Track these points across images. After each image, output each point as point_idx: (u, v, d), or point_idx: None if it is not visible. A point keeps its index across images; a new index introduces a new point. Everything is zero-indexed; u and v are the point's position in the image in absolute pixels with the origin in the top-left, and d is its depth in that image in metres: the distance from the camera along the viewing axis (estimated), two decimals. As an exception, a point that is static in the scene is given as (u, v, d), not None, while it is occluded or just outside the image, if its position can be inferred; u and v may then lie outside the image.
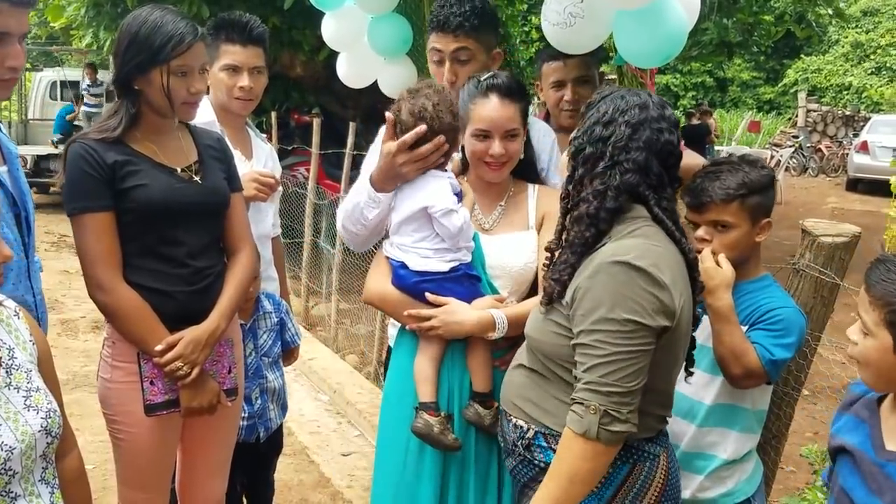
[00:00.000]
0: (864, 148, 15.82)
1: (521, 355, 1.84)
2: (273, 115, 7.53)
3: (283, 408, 2.88)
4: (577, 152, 1.72)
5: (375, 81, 3.82)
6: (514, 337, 2.05)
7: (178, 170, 2.17)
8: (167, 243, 2.13)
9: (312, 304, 6.74)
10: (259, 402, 2.72)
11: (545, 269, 1.81)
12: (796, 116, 22.38)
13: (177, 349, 2.09)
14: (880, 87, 23.45)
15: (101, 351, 2.25)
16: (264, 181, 2.66)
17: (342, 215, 2.26)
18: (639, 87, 2.64)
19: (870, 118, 18.93)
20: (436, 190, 2.07)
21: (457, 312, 2.04)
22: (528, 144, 2.25)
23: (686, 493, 1.94)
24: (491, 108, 2.11)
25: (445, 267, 2.07)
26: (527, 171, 2.27)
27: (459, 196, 2.11)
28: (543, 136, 2.45)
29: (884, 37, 24.35)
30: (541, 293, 2.10)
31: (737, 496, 1.99)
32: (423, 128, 2.03)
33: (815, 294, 2.12)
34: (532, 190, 2.26)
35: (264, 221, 2.91)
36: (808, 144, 19.78)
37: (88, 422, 4.04)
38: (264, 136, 3.05)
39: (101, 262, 2.06)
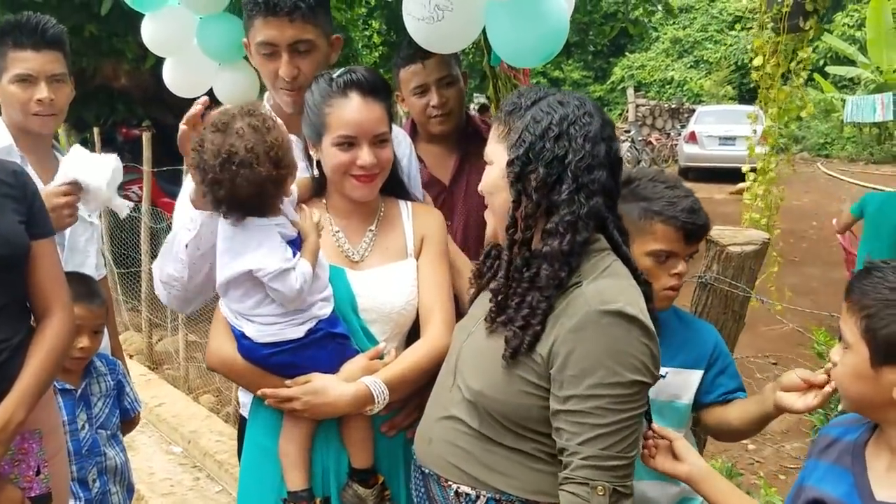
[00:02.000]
0: (692, 138, 16.70)
1: (454, 407, 1.53)
2: (96, 130, 6.85)
3: (129, 489, 2.42)
4: (521, 174, 1.44)
5: (210, 89, 3.37)
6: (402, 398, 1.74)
7: None
8: None
9: (156, 338, 6.09)
10: (98, 485, 2.25)
11: (492, 315, 1.50)
12: (626, 112, 23.46)
13: None
14: (699, 79, 25.08)
15: None
16: (59, 194, 2.10)
17: (159, 255, 1.83)
18: (513, 88, 2.40)
19: (693, 110, 20.13)
20: (260, 246, 1.64)
21: (325, 391, 1.67)
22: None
23: None
24: (354, 110, 1.74)
25: (300, 332, 1.67)
26: (394, 185, 1.92)
27: (296, 244, 1.69)
28: (399, 143, 2.11)
29: (699, 32, 26.05)
30: (444, 333, 1.77)
31: None
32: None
33: (726, 310, 1.95)
34: (405, 208, 1.93)
35: (86, 263, 2.44)
36: (640, 138, 20.75)
37: None
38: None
39: None
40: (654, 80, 26.38)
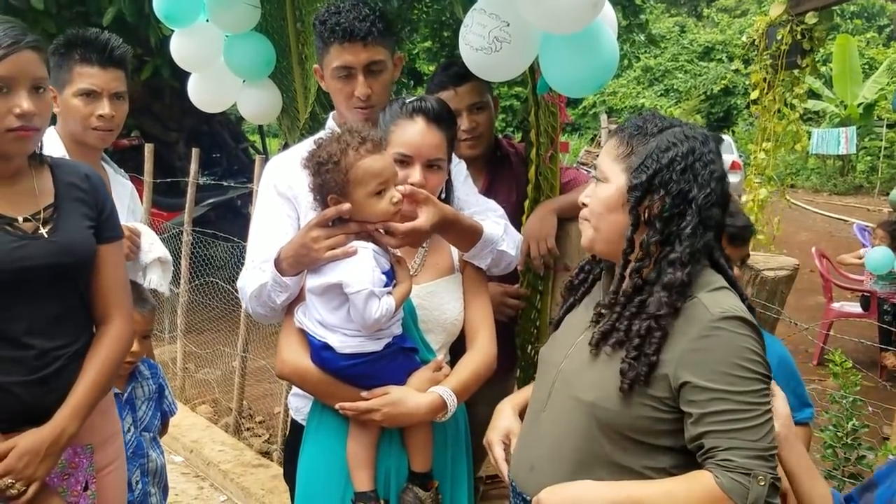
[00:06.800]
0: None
1: (553, 429, 1.58)
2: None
3: (165, 490, 2.47)
4: (642, 200, 1.50)
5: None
6: None
7: (20, 219, 1.71)
8: None
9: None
10: (140, 486, 2.31)
11: (597, 339, 1.55)
12: (599, 136, 23.87)
13: (6, 462, 1.63)
14: (669, 107, 25.57)
15: None
16: (132, 238, 2.27)
17: (249, 296, 1.92)
18: (551, 116, 2.52)
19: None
20: (355, 263, 1.72)
21: (403, 402, 1.77)
22: (448, 183, 2.05)
23: None
24: (415, 132, 1.89)
25: (380, 346, 1.77)
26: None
27: (389, 274, 1.77)
28: (455, 168, 2.24)
29: (670, 62, 26.62)
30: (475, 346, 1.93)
31: None
32: (347, 206, 1.73)
33: (758, 329, 2.08)
34: None
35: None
36: (612, 162, 21.10)
37: None
38: (124, 172, 2.63)
39: None
40: (625, 107, 26.83)
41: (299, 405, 2.15)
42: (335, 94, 2.13)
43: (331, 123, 2.22)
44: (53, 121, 2.26)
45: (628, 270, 1.53)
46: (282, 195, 2.07)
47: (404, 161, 1.88)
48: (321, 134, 2.19)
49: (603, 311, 1.57)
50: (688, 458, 1.48)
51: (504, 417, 1.79)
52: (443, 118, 1.94)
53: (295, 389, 2.18)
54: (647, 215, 1.51)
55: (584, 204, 1.63)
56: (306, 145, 2.21)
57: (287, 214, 2.05)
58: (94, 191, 1.86)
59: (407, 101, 1.93)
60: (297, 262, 1.79)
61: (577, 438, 1.53)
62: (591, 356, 1.55)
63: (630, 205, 1.52)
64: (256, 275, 1.92)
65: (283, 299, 1.85)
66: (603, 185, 1.58)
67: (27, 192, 1.75)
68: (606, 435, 1.50)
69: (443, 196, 2.01)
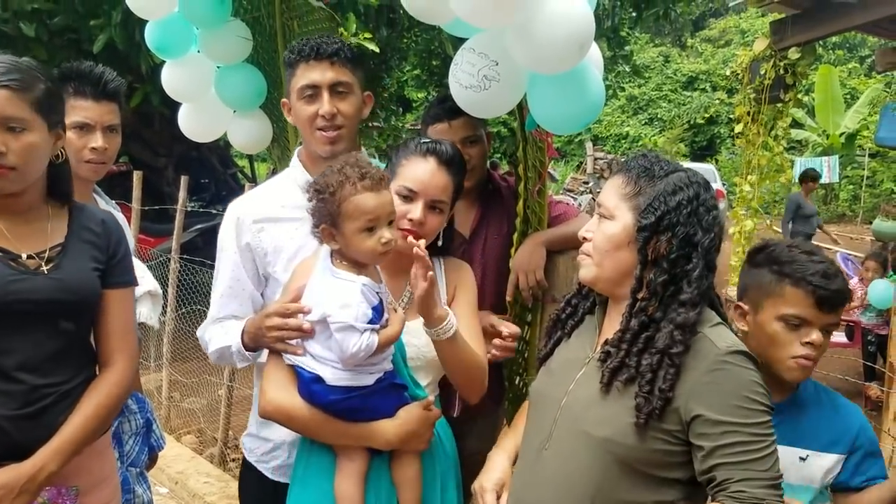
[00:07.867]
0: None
1: (556, 467, 1.60)
2: (76, 166, 6.78)
3: (151, 526, 2.44)
4: (649, 240, 1.55)
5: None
6: None
7: (23, 256, 1.72)
8: None
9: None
10: (125, 523, 2.27)
11: (608, 375, 1.57)
12: (585, 164, 24.06)
13: None
14: (653, 136, 25.86)
15: None
16: None
17: (210, 351, 2.02)
18: (538, 151, 2.55)
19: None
20: (341, 296, 1.73)
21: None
22: (447, 230, 2.07)
23: None
24: (425, 170, 1.92)
25: (371, 380, 1.78)
26: (433, 245, 2.07)
27: (378, 310, 1.77)
28: None
29: (654, 91, 26.95)
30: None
31: None
32: (307, 307, 1.77)
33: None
34: (438, 262, 2.08)
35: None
36: (598, 190, 21.28)
37: None
38: (115, 203, 2.64)
39: None
40: (610, 135, 27.09)
41: (252, 446, 2.18)
42: (301, 121, 2.15)
43: (295, 161, 2.23)
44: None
45: (639, 310, 1.57)
46: (241, 249, 2.09)
47: (409, 196, 1.91)
48: (286, 172, 2.22)
49: (610, 348, 1.59)
50: (693, 490, 1.53)
51: (499, 469, 1.80)
52: (454, 163, 1.98)
53: (249, 429, 2.19)
54: (652, 255, 1.56)
55: (585, 238, 1.67)
56: (273, 183, 2.25)
57: (244, 268, 2.09)
58: (107, 235, 1.87)
59: (422, 140, 1.98)
60: (255, 341, 1.87)
61: (588, 475, 1.54)
62: (601, 392, 1.57)
63: (639, 244, 1.57)
64: (219, 334, 1.98)
65: (243, 366, 1.94)
66: (608, 221, 1.62)
67: (38, 231, 1.77)
68: (620, 469, 1.52)
69: (440, 243, 2.04)
